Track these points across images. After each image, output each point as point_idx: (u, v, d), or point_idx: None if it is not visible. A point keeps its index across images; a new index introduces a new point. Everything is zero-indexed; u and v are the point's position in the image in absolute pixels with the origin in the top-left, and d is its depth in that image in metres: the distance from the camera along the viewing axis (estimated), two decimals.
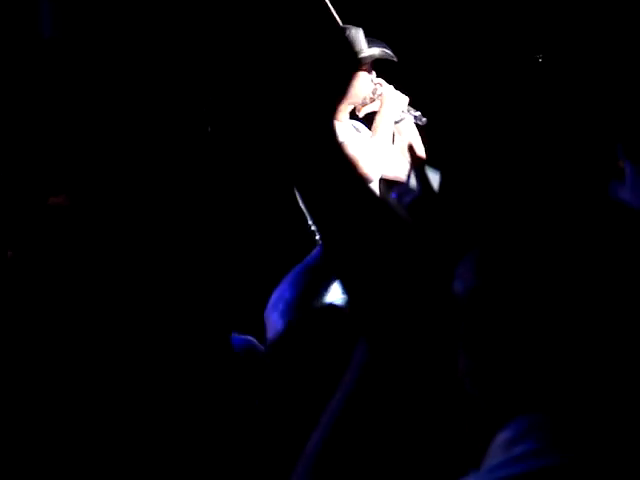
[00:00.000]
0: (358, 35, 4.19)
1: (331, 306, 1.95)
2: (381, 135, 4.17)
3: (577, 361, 1.10)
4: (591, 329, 1.10)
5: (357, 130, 4.34)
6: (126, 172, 5.18)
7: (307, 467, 1.19)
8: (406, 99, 4.28)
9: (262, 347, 2.15)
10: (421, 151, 4.08)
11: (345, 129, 4.21)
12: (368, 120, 4.39)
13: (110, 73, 5.15)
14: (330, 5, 4.18)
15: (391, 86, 4.29)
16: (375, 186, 4.12)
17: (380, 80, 4.27)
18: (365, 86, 4.23)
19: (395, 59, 4.30)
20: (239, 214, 5.32)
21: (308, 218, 4.07)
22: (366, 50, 4.20)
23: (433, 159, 5.95)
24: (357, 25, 4.26)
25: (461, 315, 1.15)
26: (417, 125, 4.30)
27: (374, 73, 4.30)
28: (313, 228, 4.17)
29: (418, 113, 4.28)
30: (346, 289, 1.17)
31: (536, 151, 5.89)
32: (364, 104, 4.28)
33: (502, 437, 1.11)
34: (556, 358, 1.10)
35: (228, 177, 5.51)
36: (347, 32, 4.15)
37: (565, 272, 1.12)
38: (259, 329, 2.24)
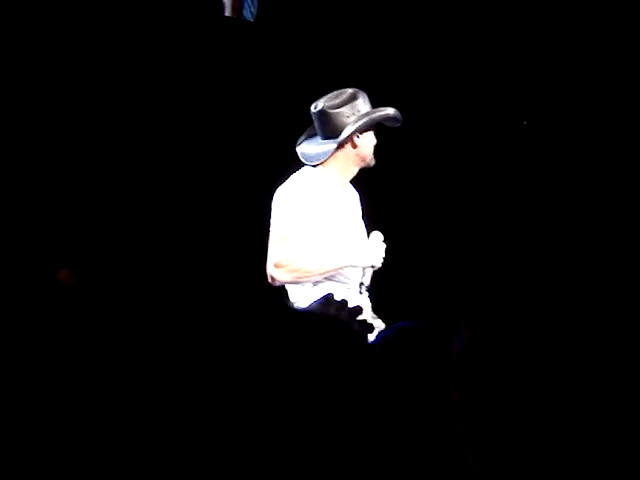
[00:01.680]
0: (366, 96, 4.16)
1: None
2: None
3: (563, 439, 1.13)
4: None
5: (346, 201, 4.23)
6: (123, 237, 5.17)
7: None
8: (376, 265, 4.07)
9: None
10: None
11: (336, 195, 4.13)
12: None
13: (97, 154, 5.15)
14: None
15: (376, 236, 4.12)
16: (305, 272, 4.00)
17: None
18: (371, 145, 4.19)
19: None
20: (236, 269, 5.31)
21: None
22: (380, 109, 4.16)
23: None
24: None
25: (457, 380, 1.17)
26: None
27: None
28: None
29: (366, 285, 4.06)
30: None
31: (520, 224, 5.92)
32: (368, 165, 4.22)
33: None
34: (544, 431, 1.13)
35: (224, 238, 5.51)
36: (359, 94, 4.11)
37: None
38: None
